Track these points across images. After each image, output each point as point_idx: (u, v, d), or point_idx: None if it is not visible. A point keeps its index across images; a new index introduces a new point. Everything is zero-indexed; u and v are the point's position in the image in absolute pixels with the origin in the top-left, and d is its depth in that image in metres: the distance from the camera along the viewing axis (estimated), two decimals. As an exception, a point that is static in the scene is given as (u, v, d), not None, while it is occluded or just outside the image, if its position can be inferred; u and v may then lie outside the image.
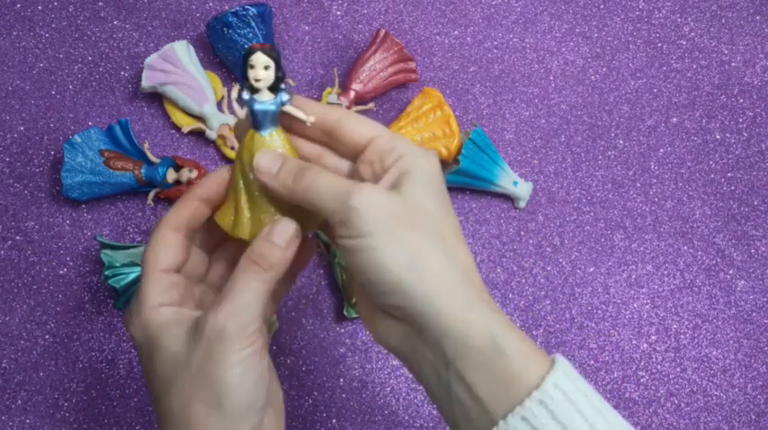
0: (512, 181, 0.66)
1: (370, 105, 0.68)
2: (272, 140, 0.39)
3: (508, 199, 0.68)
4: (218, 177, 0.40)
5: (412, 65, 0.69)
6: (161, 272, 0.39)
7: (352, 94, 0.67)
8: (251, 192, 0.39)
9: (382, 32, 0.68)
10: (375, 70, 0.67)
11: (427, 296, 0.34)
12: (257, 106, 0.38)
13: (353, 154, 0.40)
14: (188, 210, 0.40)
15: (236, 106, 0.39)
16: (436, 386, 0.36)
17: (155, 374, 0.38)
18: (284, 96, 0.39)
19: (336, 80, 0.67)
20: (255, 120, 0.39)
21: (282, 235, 0.38)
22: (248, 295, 0.36)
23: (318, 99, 0.69)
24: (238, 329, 0.36)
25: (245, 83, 0.38)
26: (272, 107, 0.38)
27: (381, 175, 0.38)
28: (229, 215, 0.39)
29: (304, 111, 0.39)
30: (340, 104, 0.66)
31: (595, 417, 0.33)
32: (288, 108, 0.39)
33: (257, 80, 0.38)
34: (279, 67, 0.38)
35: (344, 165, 0.41)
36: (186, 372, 0.36)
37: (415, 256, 0.35)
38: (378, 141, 0.39)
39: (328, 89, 0.67)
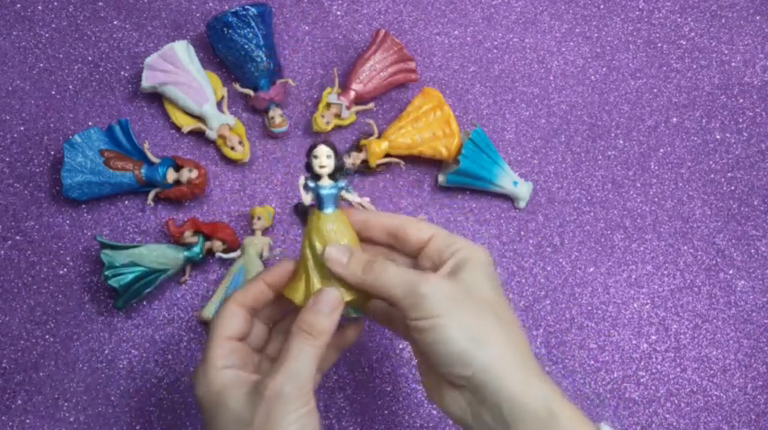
0: (512, 181, 0.66)
1: (370, 105, 0.68)
2: (334, 218, 0.45)
3: (508, 199, 0.68)
4: (284, 268, 0.47)
5: (412, 65, 0.69)
6: (225, 338, 0.44)
7: (352, 93, 0.67)
8: (319, 267, 0.45)
9: (382, 32, 0.68)
10: (375, 70, 0.67)
11: (489, 367, 0.40)
12: (323, 191, 0.45)
13: (415, 252, 0.47)
14: (254, 290, 0.46)
15: (302, 192, 0.46)
16: None
17: None
18: (342, 182, 0.46)
19: (336, 80, 0.67)
20: (320, 203, 0.46)
21: (327, 304, 0.43)
22: (301, 360, 0.41)
23: (318, 99, 0.69)
24: (295, 391, 0.40)
25: (309, 172, 0.46)
26: (334, 191, 0.46)
27: (440, 267, 0.44)
28: (299, 288, 0.45)
29: (362, 204, 0.49)
30: (340, 104, 0.66)
31: None
32: (345, 194, 0.47)
33: (321, 167, 0.46)
34: (338, 156, 0.46)
35: (405, 262, 0.47)
36: None
37: (476, 333, 0.40)
38: (436, 239, 0.46)
39: (328, 89, 0.67)
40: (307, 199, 0.46)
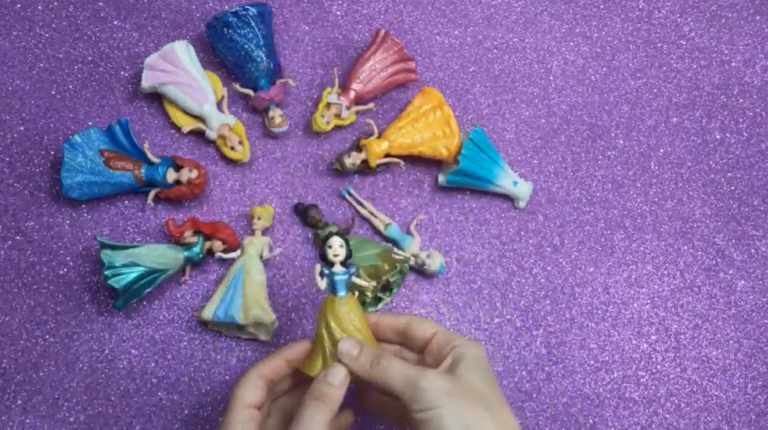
0: (512, 181, 0.66)
1: (370, 105, 0.68)
2: (347, 302, 0.51)
3: (508, 199, 0.68)
4: (302, 346, 0.52)
5: (412, 65, 0.69)
6: (245, 406, 0.49)
7: (352, 93, 0.67)
8: (333, 346, 0.50)
9: (382, 32, 0.68)
10: (375, 70, 0.67)
11: None
12: (337, 277, 0.51)
13: (421, 348, 0.53)
14: (273, 364, 0.51)
15: (318, 279, 0.51)
16: None
17: None
18: (352, 269, 0.52)
19: (336, 80, 0.67)
20: (334, 288, 0.51)
21: (336, 376, 0.49)
22: (314, 426, 0.46)
23: (318, 99, 0.69)
24: None
25: (323, 261, 0.51)
26: (346, 276, 0.51)
27: (441, 362, 0.50)
28: (316, 365, 0.50)
29: (366, 288, 0.59)
30: (340, 104, 0.66)
31: None
32: (356, 279, 0.52)
33: (335, 256, 0.51)
34: (348, 245, 0.52)
35: (411, 357, 0.54)
36: None
37: (469, 423, 0.45)
38: (438, 336, 0.51)
39: (328, 89, 0.67)
40: (322, 284, 0.51)
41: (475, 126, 0.66)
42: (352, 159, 0.65)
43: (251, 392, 0.50)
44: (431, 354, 0.52)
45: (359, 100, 0.68)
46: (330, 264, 0.51)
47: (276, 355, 0.52)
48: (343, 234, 0.52)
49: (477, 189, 0.67)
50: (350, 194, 0.66)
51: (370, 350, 0.50)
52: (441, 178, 0.67)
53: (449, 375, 0.48)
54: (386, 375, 0.48)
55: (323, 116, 0.66)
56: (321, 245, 0.52)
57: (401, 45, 0.68)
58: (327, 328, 0.50)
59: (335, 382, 0.48)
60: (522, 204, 0.67)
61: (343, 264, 0.51)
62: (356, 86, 0.67)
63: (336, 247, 0.51)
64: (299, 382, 0.54)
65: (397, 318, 0.54)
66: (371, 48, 0.68)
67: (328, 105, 0.67)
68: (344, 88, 0.67)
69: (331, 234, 0.52)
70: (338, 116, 0.67)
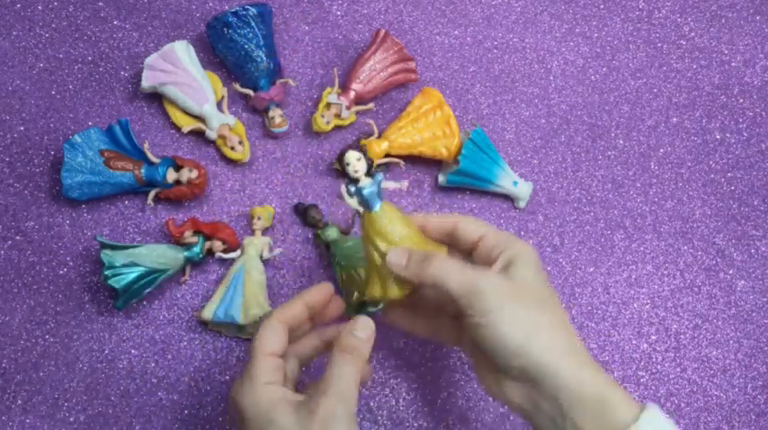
0: (512, 181, 0.66)
1: (370, 105, 0.68)
2: (384, 213, 0.48)
3: (508, 199, 0.68)
4: (323, 289, 0.51)
5: (412, 65, 0.69)
6: (268, 354, 0.47)
7: (352, 93, 0.67)
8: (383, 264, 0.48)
9: (382, 32, 0.68)
10: (375, 70, 0.67)
11: (545, 359, 0.43)
12: (365, 191, 0.48)
13: (469, 250, 0.50)
14: (294, 309, 0.49)
15: (347, 199, 0.49)
16: None
17: None
18: (378, 176, 0.49)
19: (336, 80, 0.67)
20: (366, 203, 0.48)
21: (364, 330, 0.47)
22: (346, 380, 0.45)
23: (318, 99, 0.69)
24: (345, 412, 0.44)
25: (347, 180, 0.49)
26: (375, 187, 0.48)
27: (491, 264, 0.47)
28: (374, 287, 0.49)
29: (401, 188, 0.52)
30: (340, 104, 0.66)
31: None
32: (384, 183, 0.49)
33: (356, 171, 0.49)
34: (366, 156, 0.49)
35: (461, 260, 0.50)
36: None
37: (531, 327, 0.43)
38: (488, 237, 0.49)
39: (328, 89, 0.67)
40: (353, 203, 0.49)
41: (475, 126, 0.66)
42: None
43: (274, 340, 0.47)
44: (480, 257, 0.49)
45: (359, 100, 0.68)
46: (354, 181, 0.49)
47: (296, 300, 0.50)
48: (357, 146, 0.51)
49: (477, 189, 0.67)
50: None
51: (419, 255, 0.47)
52: (441, 178, 0.67)
53: (506, 276, 0.46)
54: (441, 277, 0.45)
55: (323, 116, 0.66)
56: (339, 163, 0.51)
57: (401, 45, 0.68)
58: (375, 247, 0.48)
59: (363, 336, 0.47)
60: (522, 204, 0.67)
61: (368, 175, 0.49)
62: (356, 86, 0.67)
63: (354, 162, 0.49)
64: (315, 327, 0.53)
65: (444, 218, 0.51)
66: (371, 48, 0.68)
67: (328, 105, 0.67)
68: (344, 88, 0.67)
69: (344, 151, 0.49)
70: (338, 116, 0.67)
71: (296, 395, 0.46)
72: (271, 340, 0.47)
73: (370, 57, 0.67)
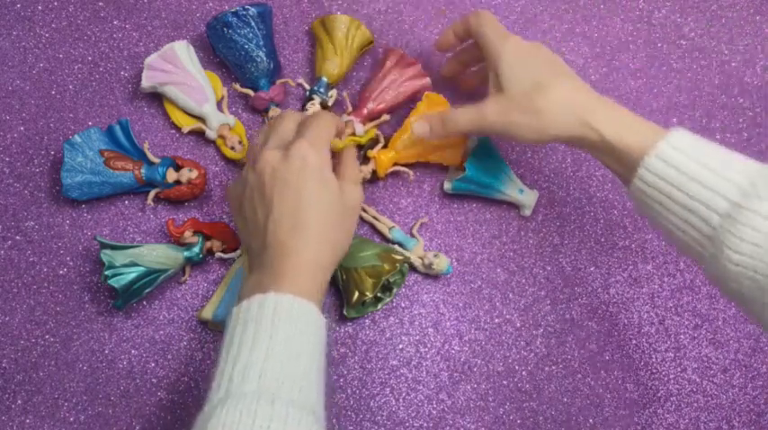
0: (517, 189, 0.66)
1: (385, 117, 0.67)
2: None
3: (513, 204, 0.68)
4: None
5: (426, 81, 0.67)
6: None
7: (365, 111, 0.66)
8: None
9: (399, 53, 0.67)
10: (389, 89, 0.67)
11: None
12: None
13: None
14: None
15: None
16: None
17: None
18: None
19: (348, 101, 0.67)
20: None
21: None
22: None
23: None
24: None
25: None
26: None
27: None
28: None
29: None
30: (351, 120, 0.65)
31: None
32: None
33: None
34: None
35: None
36: None
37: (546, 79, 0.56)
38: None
39: (344, 114, 0.66)
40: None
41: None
42: (363, 173, 0.65)
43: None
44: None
45: (373, 115, 0.67)
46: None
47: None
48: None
49: (482, 196, 0.67)
50: None
51: (433, 117, 0.60)
52: (447, 185, 0.66)
53: (497, 95, 0.56)
54: (458, 127, 0.58)
55: None
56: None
57: (416, 61, 0.67)
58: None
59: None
60: (527, 212, 0.67)
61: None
62: (370, 106, 0.66)
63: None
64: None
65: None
66: (384, 67, 0.67)
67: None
68: (357, 108, 0.67)
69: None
70: (353, 134, 0.66)
71: None
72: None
73: (384, 77, 0.67)
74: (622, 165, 0.52)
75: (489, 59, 0.58)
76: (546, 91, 0.54)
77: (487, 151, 0.65)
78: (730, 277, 0.46)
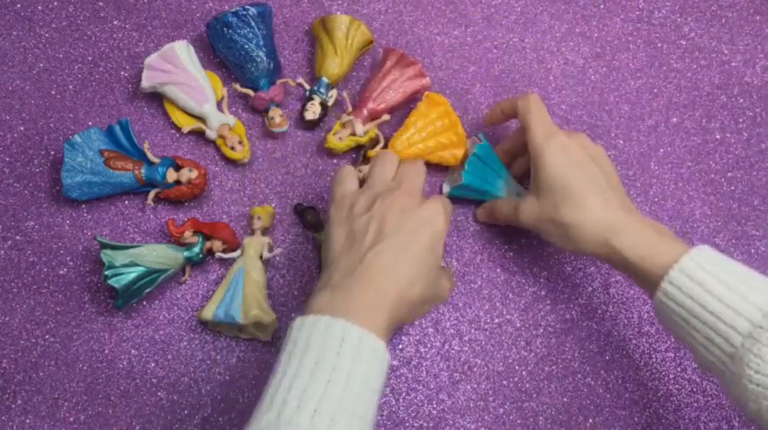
0: (516, 194, 0.65)
1: (386, 117, 0.67)
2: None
3: (508, 199, 0.68)
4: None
5: (426, 82, 0.68)
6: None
7: (365, 111, 0.66)
8: None
9: (398, 53, 0.67)
10: (389, 89, 0.67)
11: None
12: None
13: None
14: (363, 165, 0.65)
15: None
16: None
17: None
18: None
19: (348, 101, 0.67)
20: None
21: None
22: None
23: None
24: None
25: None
26: None
27: None
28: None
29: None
30: (350, 119, 0.65)
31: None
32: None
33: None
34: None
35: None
36: None
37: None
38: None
39: (344, 114, 0.66)
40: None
41: (480, 140, 0.66)
42: (363, 173, 0.65)
43: (351, 183, 0.57)
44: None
45: (373, 115, 0.67)
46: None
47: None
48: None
49: (480, 202, 0.66)
50: None
51: (482, 211, 0.66)
52: (445, 188, 0.66)
53: (533, 197, 0.59)
54: (496, 219, 0.64)
55: (335, 134, 0.66)
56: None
57: (414, 60, 0.67)
58: None
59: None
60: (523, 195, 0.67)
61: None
62: (370, 106, 0.66)
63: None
64: None
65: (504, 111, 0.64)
66: (384, 67, 0.67)
67: (342, 124, 0.66)
68: (357, 108, 0.67)
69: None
70: (353, 134, 0.66)
71: None
72: (349, 184, 0.57)
73: (384, 77, 0.67)
74: (645, 283, 0.54)
75: (531, 153, 0.59)
76: (575, 208, 0.55)
77: (486, 158, 0.65)
78: (750, 397, 0.47)
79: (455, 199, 0.67)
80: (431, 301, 0.56)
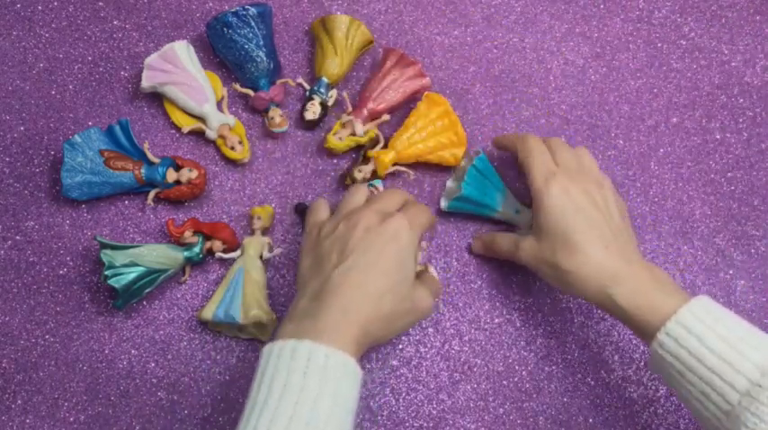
0: (514, 209, 0.65)
1: (386, 117, 0.67)
2: None
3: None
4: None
5: (426, 82, 0.68)
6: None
7: (365, 111, 0.66)
8: None
9: (398, 53, 0.67)
10: (389, 89, 0.66)
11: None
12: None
13: None
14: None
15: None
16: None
17: None
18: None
19: (348, 101, 0.67)
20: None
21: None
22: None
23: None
24: None
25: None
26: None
27: None
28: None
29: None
30: (350, 119, 0.65)
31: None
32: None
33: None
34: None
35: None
36: None
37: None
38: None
39: (344, 114, 0.66)
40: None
41: (479, 153, 0.65)
42: (363, 173, 0.65)
43: (323, 213, 0.58)
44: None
45: (373, 115, 0.67)
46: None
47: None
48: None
49: (479, 216, 0.66)
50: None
51: (484, 241, 0.64)
52: (443, 203, 0.66)
53: (533, 238, 0.58)
54: (495, 253, 0.63)
55: (335, 134, 0.66)
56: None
57: (414, 60, 0.67)
58: None
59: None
60: (523, 232, 0.66)
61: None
62: (370, 106, 0.66)
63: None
64: None
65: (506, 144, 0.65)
66: (384, 67, 0.67)
67: (342, 124, 0.66)
68: (357, 108, 0.67)
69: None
70: (353, 134, 0.66)
71: None
72: (321, 214, 0.58)
73: (384, 77, 0.67)
74: (641, 333, 0.53)
75: (532, 195, 0.58)
76: (573, 255, 0.54)
77: (485, 171, 0.65)
78: None
79: (453, 213, 0.67)
80: (407, 316, 0.54)
